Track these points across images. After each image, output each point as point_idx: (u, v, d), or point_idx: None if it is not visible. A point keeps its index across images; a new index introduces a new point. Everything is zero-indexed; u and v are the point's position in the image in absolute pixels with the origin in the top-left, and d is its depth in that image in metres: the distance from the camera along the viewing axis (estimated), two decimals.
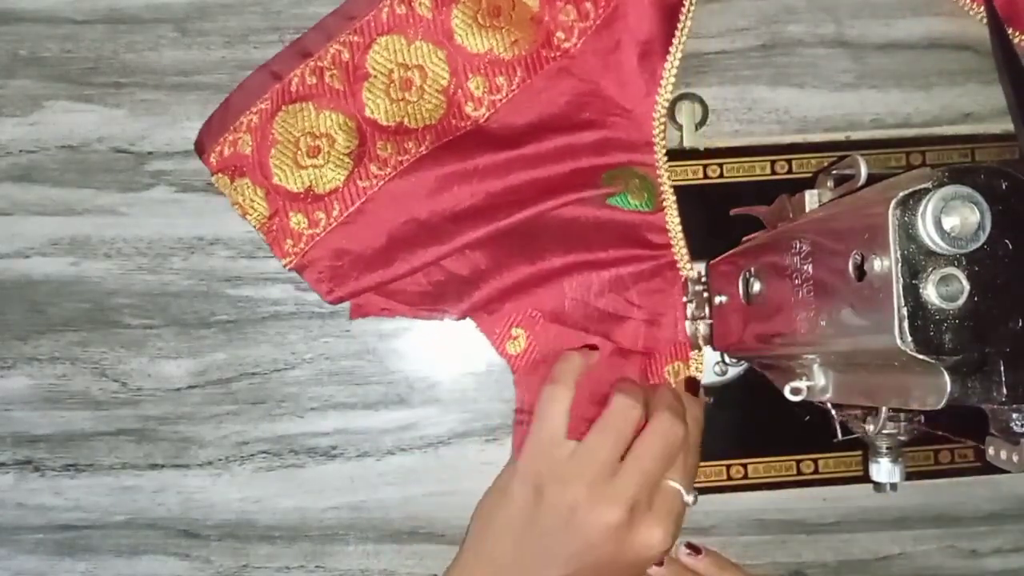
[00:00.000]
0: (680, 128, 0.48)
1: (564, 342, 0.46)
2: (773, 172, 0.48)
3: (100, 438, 0.47)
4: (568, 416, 0.42)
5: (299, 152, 0.45)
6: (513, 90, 0.46)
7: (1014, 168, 0.27)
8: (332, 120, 0.45)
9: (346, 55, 0.45)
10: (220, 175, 0.45)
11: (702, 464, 0.47)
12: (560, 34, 0.46)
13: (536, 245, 0.45)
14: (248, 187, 0.45)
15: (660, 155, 0.46)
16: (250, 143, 0.45)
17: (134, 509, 0.47)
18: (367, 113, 0.45)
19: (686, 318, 0.46)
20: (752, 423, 0.47)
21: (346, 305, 0.47)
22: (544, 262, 0.45)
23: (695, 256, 0.46)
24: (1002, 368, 0.27)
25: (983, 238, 0.26)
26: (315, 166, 0.45)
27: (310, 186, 0.45)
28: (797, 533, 0.48)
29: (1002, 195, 0.27)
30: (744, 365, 0.47)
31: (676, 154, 0.48)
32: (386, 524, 0.48)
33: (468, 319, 0.47)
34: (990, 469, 0.31)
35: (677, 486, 0.40)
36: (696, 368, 0.46)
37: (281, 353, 0.47)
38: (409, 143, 0.45)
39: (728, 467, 0.47)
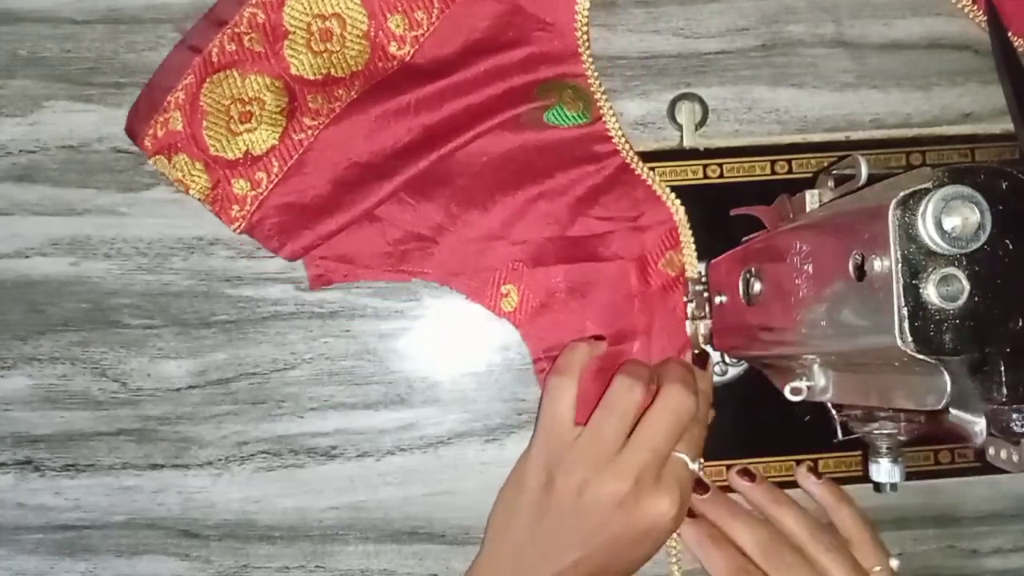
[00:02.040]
0: (680, 128, 0.48)
1: (554, 281, 0.46)
2: (773, 172, 0.48)
3: (100, 438, 0.47)
4: (574, 405, 0.42)
5: (231, 120, 0.45)
6: (433, 23, 0.46)
7: (1014, 168, 0.27)
8: (259, 83, 0.45)
9: (261, 16, 0.45)
10: (157, 156, 0.45)
11: (703, 464, 0.47)
12: None
13: (485, 190, 0.46)
14: (186, 162, 0.45)
15: (588, 63, 0.46)
16: (180, 119, 0.45)
17: (134, 509, 0.47)
18: (292, 71, 0.45)
19: (666, 252, 0.46)
20: (752, 423, 0.47)
21: (346, 303, 0.47)
22: (497, 205, 0.46)
23: (696, 257, 0.46)
24: (1002, 368, 0.27)
25: (983, 238, 0.26)
26: (249, 130, 0.45)
27: (247, 150, 0.45)
28: None
29: (1002, 195, 0.27)
30: (744, 365, 0.47)
31: (676, 154, 0.48)
32: (386, 524, 0.48)
33: (453, 289, 0.47)
34: (990, 469, 0.31)
35: (683, 456, 0.41)
36: (687, 248, 0.46)
37: (281, 353, 0.47)
38: (339, 91, 0.45)
39: (728, 467, 0.47)
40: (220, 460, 0.47)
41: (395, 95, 0.45)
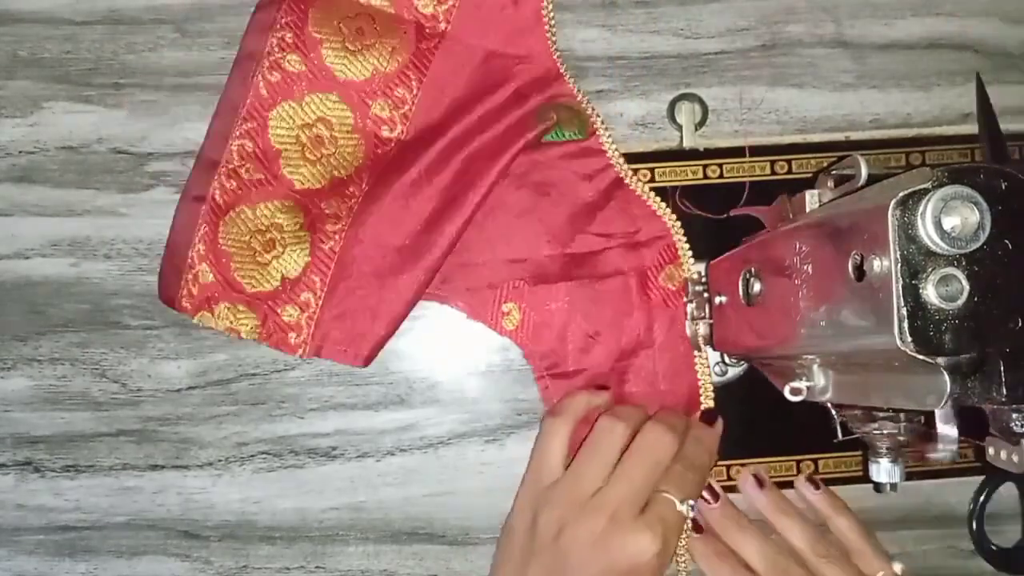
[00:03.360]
0: (680, 128, 0.48)
1: (556, 299, 0.46)
2: (773, 172, 0.48)
3: (100, 439, 0.47)
4: (565, 448, 0.42)
5: (257, 253, 0.45)
6: (416, 96, 0.46)
7: (1014, 168, 0.27)
8: (270, 209, 0.45)
9: (249, 145, 0.45)
10: (201, 314, 0.45)
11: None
12: (427, 21, 0.46)
13: (482, 210, 0.45)
14: (228, 308, 0.45)
15: (571, 81, 0.46)
16: (209, 270, 0.45)
17: (134, 510, 0.47)
18: (298, 186, 0.45)
19: (665, 266, 0.46)
20: (752, 423, 0.47)
21: None
22: (494, 224, 0.46)
23: (695, 256, 0.46)
24: (1002, 368, 0.27)
25: (983, 238, 0.26)
26: (277, 256, 0.45)
27: (283, 276, 0.45)
28: None
29: (1002, 195, 0.27)
30: (744, 365, 0.47)
31: (676, 154, 0.48)
32: (386, 524, 0.48)
33: (455, 309, 0.47)
34: (990, 469, 0.31)
35: (670, 496, 0.40)
36: (687, 267, 0.46)
37: (281, 354, 0.47)
38: (350, 188, 0.45)
39: (728, 467, 0.47)
40: (220, 461, 0.47)
41: (404, 172, 0.45)
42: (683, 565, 0.46)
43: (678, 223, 0.46)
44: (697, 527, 0.45)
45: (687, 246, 0.46)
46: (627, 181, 0.46)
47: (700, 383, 0.46)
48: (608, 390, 0.46)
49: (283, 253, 0.44)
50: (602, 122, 0.47)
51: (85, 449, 0.47)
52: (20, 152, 0.48)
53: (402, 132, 0.46)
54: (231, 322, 0.45)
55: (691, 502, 0.40)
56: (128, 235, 0.47)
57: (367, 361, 0.45)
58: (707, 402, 0.46)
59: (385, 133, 0.46)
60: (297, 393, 0.48)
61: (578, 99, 0.46)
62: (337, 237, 0.44)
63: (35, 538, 0.47)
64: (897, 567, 0.43)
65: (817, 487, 0.46)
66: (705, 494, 0.45)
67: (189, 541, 0.47)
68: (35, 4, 0.48)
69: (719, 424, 0.45)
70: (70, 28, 0.48)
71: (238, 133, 0.45)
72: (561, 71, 0.46)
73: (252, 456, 0.47)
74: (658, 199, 0.46)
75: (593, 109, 0.47)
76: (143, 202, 0.47)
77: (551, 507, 0.40)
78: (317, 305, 0.45)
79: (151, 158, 0.48)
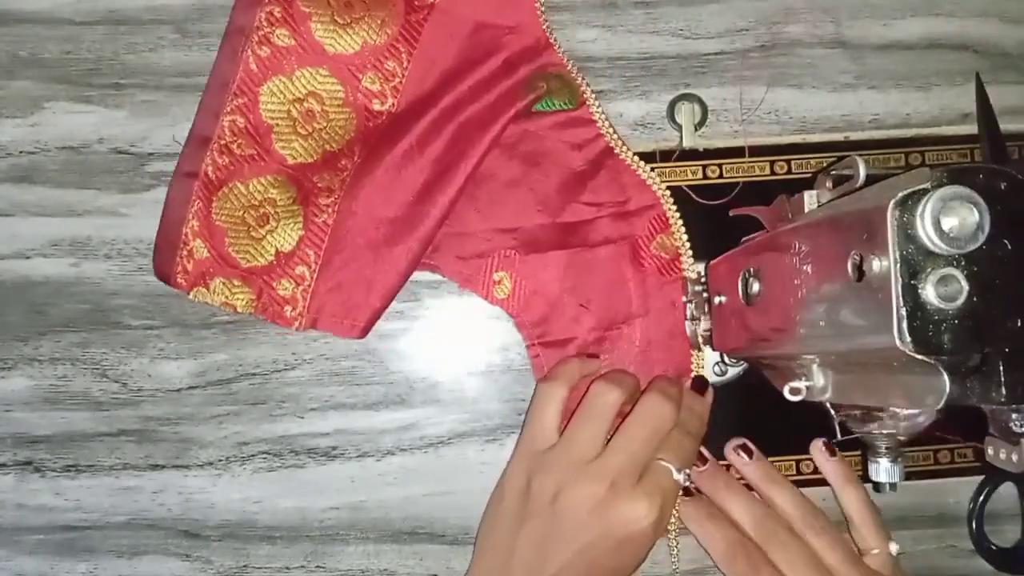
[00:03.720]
0: (680, 129, 0.48)
1: (547, 268, 0.46)
2: (772, 172, 0.48)
3: (101, 439, 0.47)
4: (560, 413, 0.42)
5: (251, 228, 0.45)
6: (406, 68, 0.46)
7: (1014, 168, 0.27)
8: (263, 184, 0.45)
9: (240, 121, 0.45)
10: (196, 289, 0.45)
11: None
12: None
13: (473, 181, 0.45)
14: (224, 283, 0.45)
15: (560, 50, 0.47)
16: (203, 246, 0.45)
17: (135, 510, 0.47)
18: (290, 161, 0.45)
19: (656, 235, 0.46)
20: (752, 423, 0.47)
21: None
22: (486, 194, 0.46)
23: (695, 256, 0.46)
24: (1001, 368, 0.27)
25: (982, 238, 0.26)
26: (271, 231, 0.45)
27: (277, 250, 0.45)
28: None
29: (1001, 195, 0.27)
30: (744, 365, 0.47)
31: (676, 154, 0.48)
32: (386, 524, 0.48)
33: (445, 277, 0.47)
34: (990, 469, 0.31)
35: (667, 464, 0.40)
36: (678, 236, 0.46)
37: (281, 353, 0.48)
38: (342, 161, 0.45)
39: (728, 467, 0.47)
40: (221, 460, 0.47)
41: (395, 144, 0.45)
42: (672, 534, 0.46)
43: (668, 192, 0.46)
44: (687, 492, 0.45)
45: (678, 215, 0.46)
46: (617, 151, 0.47)
47: (692, 353, 0.46)
48: (599, 358, 0.46)
49: (277, 227, 0.45)
50: (593, 93, 0.47)
51: (85, 449, 0.47)
52: (21, 152, 0.48)
53: (393, 104, 0.46)
54: (227, 297, 0.45)
55: (686, 470, 0.41)
56: (128, 235, 0.47)
57: (363, 332, 0.45)
58: (698, 370, 0.46)
59: (376, 106, 0.46)
60: (297, 393, 0.48)
61: (568, 68, 0.46)
62: (330, 210, 0.45)
63: (35, 538, 0.47)
64: (893, 547, 0.44)
65: (833, 454, 0.46)
66: (737, 448, 0.46)
67: (189, 541, 0.48)
68: (35, 4, 0.48)
69: (710, 392, 0.45)
70: (70, 28, 0.48)
71: (229, 109, 0.45)
72: (551, 40, 0.46)
73: (252, 456, 0.48)
74: (648, 169, 0.46)
75: (583, 79, 0.47)
76: (143, 202, 0.47)
77: (546, 472, 0.41)
78: (312, 278, 0.45)
79: (151, 158, 0.48)
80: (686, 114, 0.48)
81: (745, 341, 0.41)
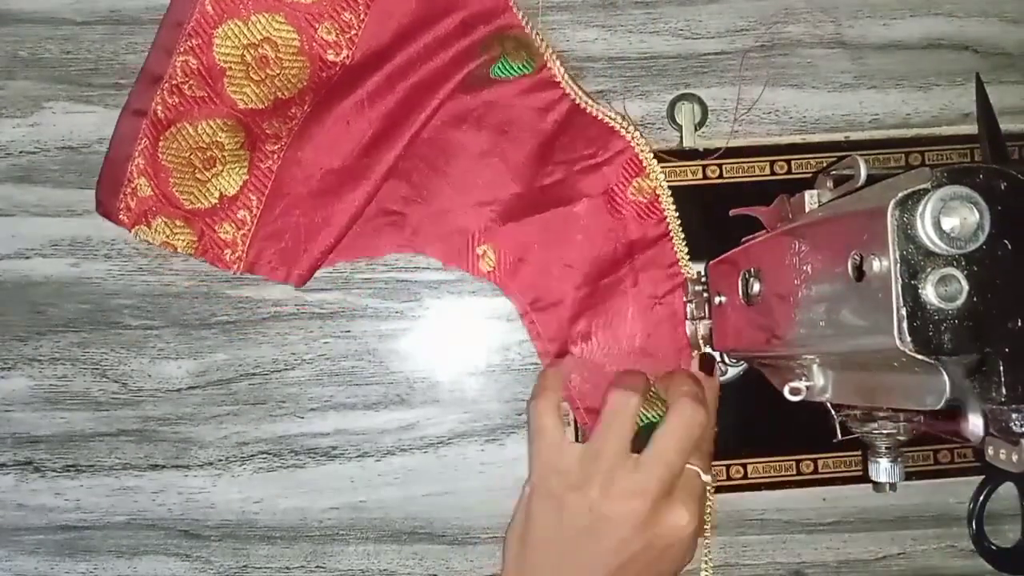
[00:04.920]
0: (680, 129, 0.48)
1: (528, 234, 0.46)
2: (772, 172, 0.48)
3: (100, 439, 0.47)
4: (560, 424, 0.42)
5: (196, 170, 0.45)
6: (362, 20, 0.46)
7: (1014, 168, 0.27)
8: (211, 127, 0.45)
9: (193, 62, 0.45)
10: (137, 227, 0.45)
11: (715, 476, 0.47)
12: None
13: (443, 155, 0.46)
14: (166, 223, 0.45)
15: (518, 12, 0.46)
16: (147, 184, 0.45)
17: (134, 510, 0.47)
18: (241, 106, 0.45)
19: (632, 180, 0.46)
20: (752, 423, 0.47)
21: (346, 304, 0.48)
22: (457, 168, 0.46)
23: (695, 257, 0.46)
24: (1002, 368, 0.27)
25: (982, 238, 0.26)
26: (216, 174, 0.45)
27: (221, 194, 0.45)
28: (797, 533, 0.48)
29: (1001, 195, 0.27)
30: (744, 365, 0.47)
31: (676, 154, 0.48)
32: (386, 524, 0.48)
33: (428, 256, 0.47)
34: (990, 469, 0.31)
35: (696, 468, 0.40)
36: (655, 176, 0.46)
37: (281, 354, 0.48)
38: (292, 110, 0.46)
39: (728, 467, 0.47)
40: (220, 461, 0.47)
41: (346, 96, 0.45)
42: (707, 558, 0.46)
43: (638, 135, 0.46)
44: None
45: (651, 155, 0.46)
46: (584, 106, 0.47)
47: (685, 285, 0.46)
48: (569, 355, 0.46)
49: (222, 171, 0.45)
50: (553, 53, 0.46)
51: (85, 449, 0.47)
52: (21, 152, 0.48)
53: (347, 56, 0.46)
54: (167, 236, 0.45)
55: (712, 474, 0.41)
56: (128, 235, 0.47)
57: (300, 280, 0.46)
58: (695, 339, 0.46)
59: (330, 57, 0.46)
60: (297, 393, 0.48)
61: (526, 30, 0.46)
62: (276, 157, 0.45)
63: (35, 538, 0.47)
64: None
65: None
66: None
67: (189, 541, 0.47)
68: (35, 4, 0.48)
69: (717, 373, 0.45)
70: (70, 28, 0.48)
71: (182, 49, 0.45)
72: (510, 3, 0.46)
73: (252, 456, 0.48)
74: (616, 115, 0.46)
75: (543, 40, 0.46)
76: None
77: (577, 488, 0.40)
78: (252, 223, 0.45)
79: None
80: (686, 114, 0.48)
81: (745, 341, 0.41)
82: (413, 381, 0.48)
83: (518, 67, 0.46)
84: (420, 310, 0.48)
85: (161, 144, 0.45)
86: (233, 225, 0.45)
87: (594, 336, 0.46)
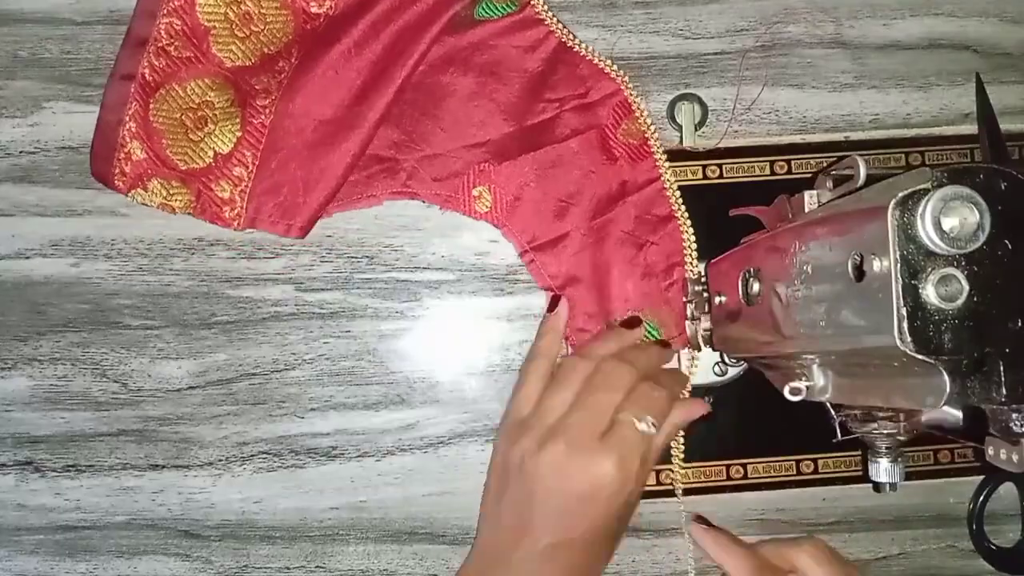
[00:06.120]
0: (680, 129, 0.48)
1: (522, 173, 0.47)
2: (772, 172, 0.48)
3: (100, 439, 0.47)
4: (542, 387, 0.43)
5: (189, 130, 0.45)
6: None
7: (1014, 168, 0.27)
8: (200, 87, 0.45)
9: (177, 23, 0.45)
10: (133, 191, 0.45)
11: (702, 464, 0.47)
12: None
13: (432, 100, 0.46)
14: (162, 185, 0.45)
15: None
16: (140, 147, 0.45)
17: (134, 510, 0.47)
18: (228, 64, 0.45)
19: (622, 122, 0.47)
20: (752, 423, 0.47)
21: (346, 304, 0.48)
22: (448, 112, 0.47)
23: (695, 257, 0.46)
24: (1002, 368, 0.27)
25: (982, 238, 0.26)
26: (209, 133, 0.45)
27: (215, 152, 0.45)
28: (797, 533, 0.48)
29: (1001, 195, 0.27)
30: (744, 365, 0.47)
31: (676, 154, 0.48)
32: (386, 524, 0.48)
33: (426, 201, 0.47)
34: (990, 469, 0.31)
35: (628, 417, 0.40)
36: (643, 120, 0.47)
37: (281, 354, 0.48)
38: (280, 63, 0.46)
39: (728, 467, 0.47)
40: (220, 461, 0.47)
41: (333, 46, 0.45)
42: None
43: (627, 78, 0.47)
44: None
45: (640, 99, 0.47)
46: (570, 44, 0.47)
47: (683, 233, 0.46)
48: (561, 297, 0.46)
49: (215, 129, 0.45)
50: None
51: (85, 449, 0.47)
52: (21, 152, 0.48)
53: (331, 7, 0.46)
54: (164, 198, 0.45)
55: (650, 419, 0.40)
56: (128, 235, 0.47)
57: (302, 232, 0.46)
58: (689, 246, 0.46)
59: (314, 8, 0.46)
60: (297, 393, 0.48)
61: None
62: (267, 111, 0.45)
63: (35, 538, 0.47)
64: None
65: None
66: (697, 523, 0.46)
67: (189, 541, 0.47)
68: (35, 4, 0.48)
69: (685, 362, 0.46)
70: (70, 28, 0.48)
71: (165, 11, 0.45)
72: None
73: (252, 456, 0.47)
74: (605, 58, 0.47)
75: None
76: None
77: (516, 439, 0.41)
78: (249, 179, 0.45)
79: None
80: (686, 114, 0.48)
81: (746, 341, 0.41)
82: (413, 381, 0.48)
83: (502, 7, 0.46)
84: (420, 310, 0.48)
85: (151, 107, 0.45)
86: (230, 183, 0.45)
87: (587, 277, 0.47)
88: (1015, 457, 0.29)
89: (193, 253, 0.47)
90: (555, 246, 0.47)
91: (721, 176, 0.48)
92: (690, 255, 0.47)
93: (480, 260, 0.48)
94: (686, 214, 0.47)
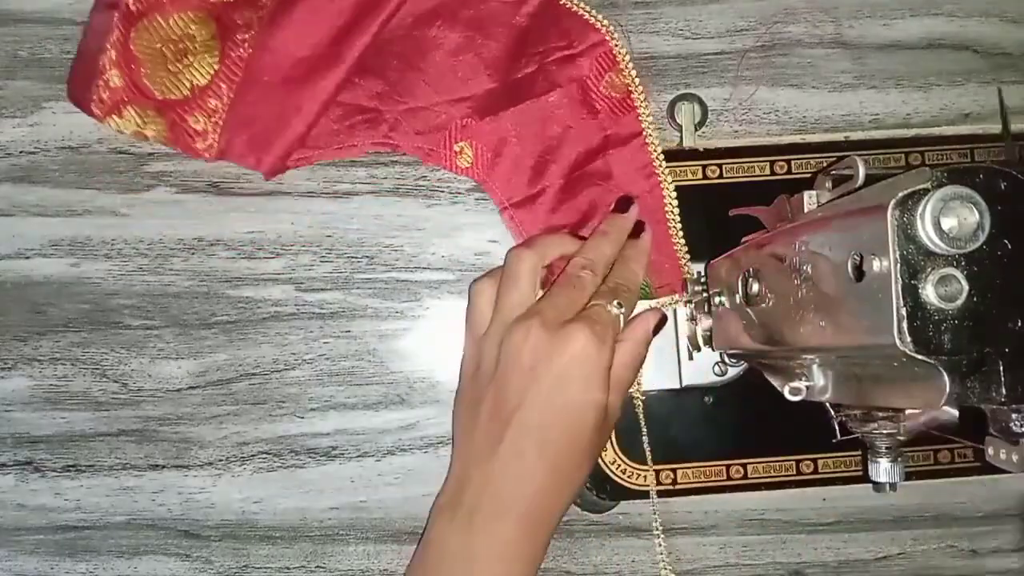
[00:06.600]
0: (680, 129, 0.48)
1: (504, 128, 0.47)
2: (772, 173, 0.48)
3: (100, 439, 0.47)
4: (492, 302, 0.42)
5: (168, 61, 0.45)
6: None
7: (1014, 168, 0.27)
8: (183, 20, 0.45)
9: None
10: (109, 118, 0.45)
11: (702, 464, 0.47)
12: None
13: (418, 51, 0.46)
14: (137, 112, 0.45)
15: None
16: (118, 75, 0.45)
17: (134, 510, 0.47)
18: None
19: (605, 74, 0.46)
20: (752, 423, 0.47)
21: (346, 304, 0.48)
22: (433, 64, 0.47)
23: (695, 256, 0.46)
24: (1002, 368, 0.27)
25: (982, 238, 0.26)
26: (188, 66, 0.45)
27: (193, 85, 0.45)
28: (797, 533, 0.48)
29: (1001, 195, 0.27)
30: (744, 365, 0.47)
31: (676, 155, 0.48)
32: (386, 524, 0.48)
33: (407, 153, 0.47)
34: (990, 469, 0.31)
35: (598, 303, 0.40)
36: (627, 72, 0.47)
37: (281, 354, 0.48)
38: None
39: (728, 467, 0.47)
40: (220, 461, 0.47)
41: None
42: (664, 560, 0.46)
43: (612, 29, 0.46)
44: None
45: (623, 49, 0.46)
46: None
47: (663, 188, 0.46)
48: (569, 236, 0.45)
49: (193, 62, 0.45)
50: None
51: (85, 449, 0.47)
52: (20, 152, 0.48)
53: None
54: (139, 125, 0.45)
55: (619, 302, 0.40)
56: (128, 235, 0.47)
57: (271, 170, 0.46)
58: (670, 201, 0.46)
59: None
60: (297, 393, 0.48)
61: None
62: (246, 45, 0.45)
63: (35, 538, 0.47)
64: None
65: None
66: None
67: (189, 541, 0.47)
68: (35, 4, 0.48)
69: (647, 236, 0.45)
70: (70, 28, 0.48)
71: None
72: None
73: (252, 456, 0.47)
74: (592, 10, 0.47)
75: None
76: (143, 202, 0.47)
77: (487, 347, 0.41)
78: (223, 111, 0.46)
79: (151, 158, 0.48)
80: (686, 114, 0.48)
81: (745, 341, 0.41)
82: (413, 381, 0.48)
83: None
84: (420, 310, 0.48)
85: (132, 36, 0.45)
86: (204, 114, 0.45)
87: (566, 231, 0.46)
88: (1015, 457, 0.29)
89: (193, 253, 0.48)
90: (532, 202, 0.47)
91: (721, 176, 0.48)
92: (671, 210, 0.46)
93: (480, 260, 0.48)
94: (666, 170, 0.47)
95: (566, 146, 0.47)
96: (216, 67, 0.45)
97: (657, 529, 0.45)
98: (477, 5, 0.47)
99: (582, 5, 0.47)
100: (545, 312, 0.39)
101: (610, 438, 0.46)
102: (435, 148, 0.47)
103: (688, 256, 0.47)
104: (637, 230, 0.45)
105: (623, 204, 0.46)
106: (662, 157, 0.47)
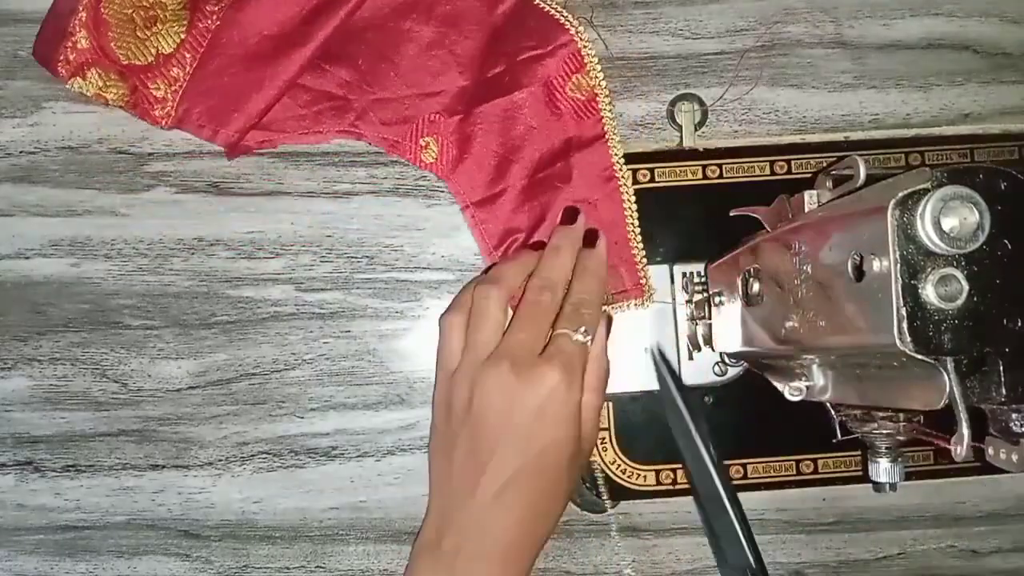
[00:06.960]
0: (680, 129, 0.48)
1: (470, 126, 0.46)
2: (772, 173, 0.48)
3: (100, 439, 0.47)
4: (463, 338, 0.42)
5: (137, 27, 0.46)
6: None
7: (1013, 168, 0.27)
8: None
9: None
10: (73, 79, 0.46)
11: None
12: None
13: (391, 43, 0.46)
14: (100, 75, 0.46)
15: None
16: (86, 36, 0.45)
17: (134, 510, 0.47)
18: None
19: (572, 76, 0.46)
20: (752, 423, 0.47)
21: (346, 304, 0.48)
22: (405, 58, 0.46)
23: (695, 257, 0.46)
24: (1002, 368, 0.27)
25: (982, 238, 0.26)
26: (156, 33, 0.46)
27: (158, 52, 0.46)
28: (797, 533, 0.48)
29: (1001, 195, 0.27)
30: (743, 365, 0.47)
31: (676, 155, 0.48)
32: (386, 524, 0.48)
33: (372, 144, 0.47)
34: (990, 469, 0.31)
35: (564, 331, 0.40)
36: (594, 74, 0.46)
37: (281, 353, 0.48)
38: None
39: (728, 467, 0.47)
40: (220, 461, 0.47)
41: None
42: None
43: (582, 29, 0.46)
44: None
45: (592, 52, 0.46)
46: None
47: (622, 192, 0.46)
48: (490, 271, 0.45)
49: (162, 30, 0.46)
50: None
51: (85, 449, 0.47)
52: (20, 152, 0.48)
53: None
54: (100, 88, 0.46)
55: (584, 330, 0.40)
56: (128, 235, 0.47)
57: (229, 144, 0.46)
58: (629, 205, 0.46)
59: None
60: (297, 393, 0.48)
61: None
62: (215, 16, 0.45)
63: (35, 538, 0.47)
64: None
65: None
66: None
67: (189, 541, 0.47)
68: (35, 4, 0.48)
69: (601, 244, 0.44)
70: None
71: None
72: None
73: (252, 456, 0.47)
74: (562, 9, 0.46)
75: None
76: (143, 202, 0.47)
77: (459, 385, 0.41)
78: (184, 79, 0.46)
79: (151, 158, 0.48)
80: (686, 114, 0.48)
81: (745, 341, 0.41)
82: (413, 381, 0.48)
83: None
84: (420, 310, 0.48)
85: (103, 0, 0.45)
86: (166, 82, 0.46)
87: (525, 233, 0.46)
88: (1015, 457, 0.29)
89: (193, 253, 0.48)
90: (493, 202, 0.47)
91: (721, 176, 0.48)
92: (631, 215, 0.46)
93: (480, 260, 0.48)
94: (627, 174, 0.46)
95: (529, 147, 0.46)
96: (183, 36, 0.45)
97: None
98: (454, 1, 0.47)
99: (555, 5, 0.46)
100: (514, 352, 0.39)
101: (599, 446, 0.47)
102: (400, 140, 0.47)
103: (646, 260, 0.46)
104: (591, 238, 0.44)
105: (570, 215, 0.45)
106: (623, 160, 0.46)
